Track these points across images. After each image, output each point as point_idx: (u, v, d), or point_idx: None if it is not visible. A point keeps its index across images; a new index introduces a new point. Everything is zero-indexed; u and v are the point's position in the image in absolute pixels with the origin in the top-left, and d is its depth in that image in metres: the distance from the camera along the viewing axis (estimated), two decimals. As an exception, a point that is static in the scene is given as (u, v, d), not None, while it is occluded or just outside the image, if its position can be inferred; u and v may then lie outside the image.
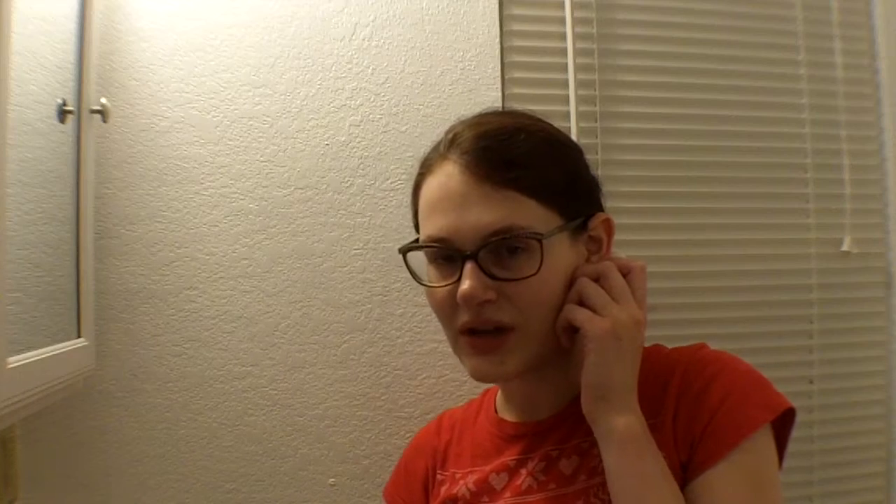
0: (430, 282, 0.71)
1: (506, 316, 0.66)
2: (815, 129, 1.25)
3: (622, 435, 0.62)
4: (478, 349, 0.67)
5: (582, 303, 0.66)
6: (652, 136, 1.19)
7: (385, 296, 1.07)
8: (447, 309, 0.68)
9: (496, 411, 0.80)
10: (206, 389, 1.02)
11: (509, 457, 0.74)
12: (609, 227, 0.72)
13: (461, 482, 0.77)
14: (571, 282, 0.68)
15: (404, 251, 0.73)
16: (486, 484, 0.74)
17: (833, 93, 1.26)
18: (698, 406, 0.65)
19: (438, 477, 0.81)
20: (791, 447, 1.18)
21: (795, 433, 1.19)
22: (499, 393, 0.82)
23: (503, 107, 1.08)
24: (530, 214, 0.65)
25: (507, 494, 0.72)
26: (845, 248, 1.25)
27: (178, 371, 1.01)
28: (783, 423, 0.69)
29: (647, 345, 0.76)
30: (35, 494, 0.95)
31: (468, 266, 0.64)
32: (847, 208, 1.26)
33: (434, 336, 1.07)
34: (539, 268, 0.64)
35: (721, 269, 1.21)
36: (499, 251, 0.65)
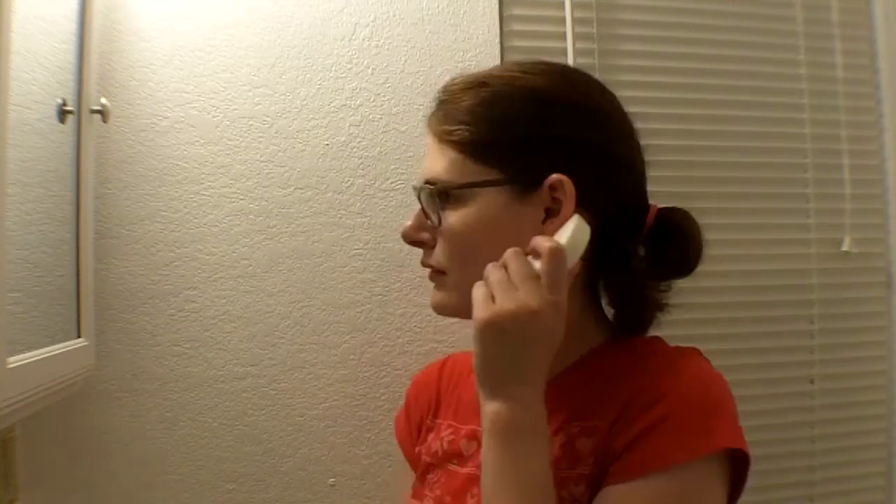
0: None
1: (432, 260, 0.70)
2: (815, 129, 1.25)
3: (490, 422, 0.60)
4: (430, 279, 0.73)
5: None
6: (651, 135, 1.17)
7: (385, 296, 1.07)
8: (406, 242, 0.74)
9: None
10: (206, 389, 1.02)
11: (479, 425, 0.72)
12: (564, 190, 0.64)
13: (441, 436, 0.78)
14: (519, 244, 0.63)
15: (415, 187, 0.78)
16: (458, 448, 0.75)
17: (833, 93, 1.26)
18: (635, 421, 0.61)
19: (428, 422, 0.82)
20: (791, 447, 1.21)
21: (796, 433, 1.21)
22: None
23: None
24: (455, 168, 0.66)
25: (470, 465, 0.72)
26: (845, 248, 1.25)
27: (178, 371, 1.01)
28: (739, 465, 0.64)
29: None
30: (35, 494, 0.95)
31: (416, 209, 0.71)
32: (847, 208, 1.26)
33: (434, 336, 1.07)
34: (440, 220, 0.67)
35: (721, 269, 1.21)
36: (432, 199, 0.68)
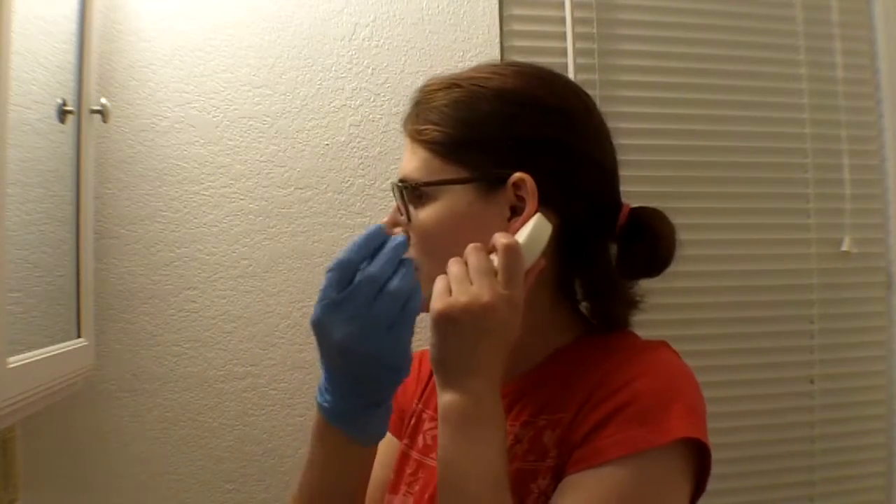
0: None
1: (408, 253, 0.70)
2: (815, 129, 1.25)
3: (442, 412, 0.61)
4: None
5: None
6: (652, 135, 1.19)
7: (385, 296, 1.07)
8: None
9: None
10: (206, 389, 1.02)
11: None
12: (526, 188, 0.65)
13: (424, 430, 0.78)
14: (485, 241, 0.64)
15: (392, 187, 0.78)
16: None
17: (833, 93, 1.26)
18: (597, 408, 0.62)
19: (414, 406, 0.82)
20: (791, 447, 1.22)
21: (796, 433, 1.22)
22: None
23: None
24: (424, 167, 0.68)
25: (434, 455, 0.72)
26: (845, 248, 1.25)
27: (178, 371, 1.01)
28: (700, 455, 0.63)
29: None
30: (35, 494, 0.95)
31: (393, 206, 0.72)
32: (847, 208, 1.26)
33: (434, 336, 1.07)
34: (409, 217, 0.69)
35: (721, 268, 1.21)
36: (403, 196, 0.69)
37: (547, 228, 0.65)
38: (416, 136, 0.70)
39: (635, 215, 0.73)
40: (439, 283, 0.62)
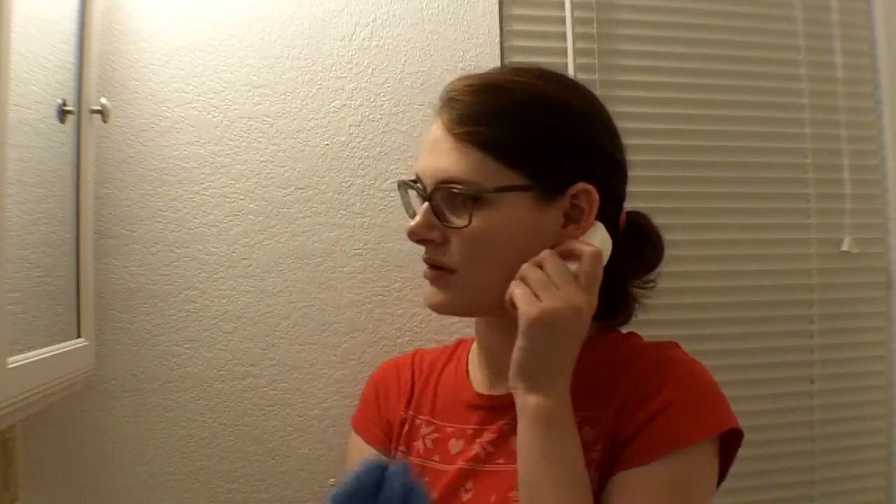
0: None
1: (445, 258, 0.71)
2: (815, 129, 1.25)
3: (532, 413, 0.63)
4: (429, 278, 0.73)
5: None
6: (652, 135, 1.19)
7: (385, 296, 1.07)
8: (411, 240, 0.74)
9: (467, 373, 0.82)
10: (206, 389, 1.02)
11: (469, 424, 0.76)
12: (590, 198, 0.68)
13: (422, 434, 0.79)
14: (536, 247, 0.67)
15: (399, 184, 0.78)
16: (445, 446, 0.77)
17: (833, 93, 1.26)
18: (641, 407, 0.66)
19: (402, 414, 0.83)
20: (791, 447, 1.22)
21: (796, 433, 1.21)
22: (473, 351, 0.84)
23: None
24: (481, 171, 0.67)
25: (460, 461, 0.74)
26: (845, 248, 1.25)
27: (178, 371, 1.01)
28: (729, 443, 0.69)
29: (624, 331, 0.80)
30: (35, 494, 0.95)
31: (424, 206, 0.71)
32: (847, 208, 1.26)
33: (434, 336, 1.07)
34: (469, 222, 0.67)
35: (721, 268, 1.21)
36: (453, 199, 0.68)
37: (609, 239, 0.70)
38: (466, 137, 0.68)
39: (632, 219, 0.78)
40: (519, 289, 0.64)
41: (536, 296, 0.63)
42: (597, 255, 0.65)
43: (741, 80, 1.23)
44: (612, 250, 0.72)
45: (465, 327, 1.06)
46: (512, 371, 0.65)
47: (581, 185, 0.68)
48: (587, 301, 0.64)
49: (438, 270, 0.72)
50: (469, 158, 0.67)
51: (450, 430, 0.77)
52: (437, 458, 0.76)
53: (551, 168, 0.68)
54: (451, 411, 0.79)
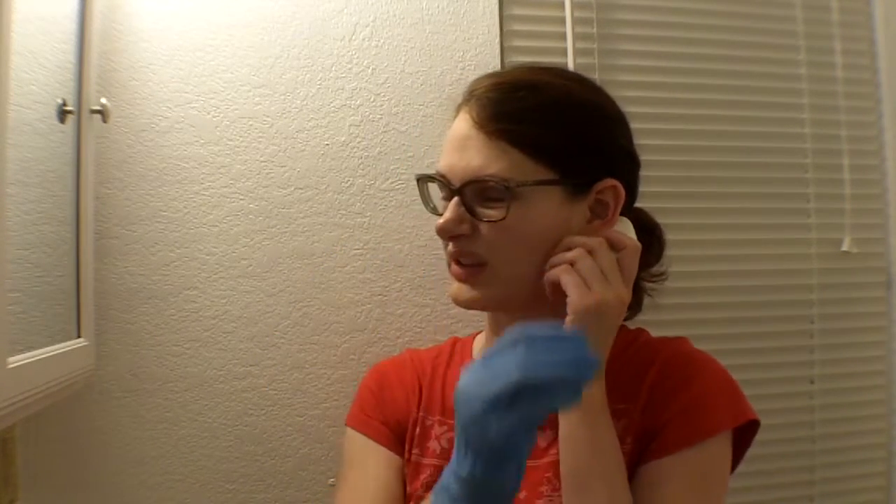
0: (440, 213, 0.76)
1: (479, 249, 0.71)
2: (815, 129, 1.25)
3: (581, 403, 0.63)
4: (458, 276, 0.74)
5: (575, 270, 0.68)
6: (651, 135, 1.19)
7: (385, 296, 1.07)
8: (443, 238, 0.74)
9: None
10: (206, 389, 1.02)
11: None
12: (616, 193, 0.72)
13: (437, 435, 0.79)
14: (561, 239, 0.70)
15: (418, 178, 0.79)
16: None
17: (833, 93, 1.26)
18: (669, 400, 0.70)
19: (415, 416, 0.82)
20: (791, 447, 1.22)
21: (796, 433, 1.21)
22: (480, 348, 0.85)
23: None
24: (515, 166, 0.69)
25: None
26: (845, 248, 1.25)
27: (178, 371, 1.01)
28: (745, 432, 0.73)
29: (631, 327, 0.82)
30: (35, 494, 0.95)
31: (453, 201, 0.71)
32: (847, 208, 1.26)
33: (434, 336, 1.07)
34: (506, 214, 0.68)
35: (721, 268, 1.21)
36: (485, 193, 0.70)
37: (634, 234, 0.73)
38: (499, 135, 0.69)
39: (637, 215, 0.80)
40: (570, 276, 0.66)
41: (587, 284, 0.65)
42: (637, 250, 0.69)
43: (741, 79, 1.23)
44: None
45: (464, 327, 1.06)
46: None
47: (608, 182, 0.71)
48: (628, 294, 0.68)
49: (469, 267, 0.73)
50: (504, 154, 0.69)
51: (451, 425, 0.77)
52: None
53: (581, 165, 0.71)
54: None
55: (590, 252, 0.67)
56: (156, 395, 1.00)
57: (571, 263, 0.67)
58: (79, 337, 0.86)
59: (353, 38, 1.08)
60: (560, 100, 0.72)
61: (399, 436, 0.83)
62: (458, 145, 0.72)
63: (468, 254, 0.72)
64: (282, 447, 1.03)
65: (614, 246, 0.69)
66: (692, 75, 1.21)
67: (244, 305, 1.03)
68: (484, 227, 0.70)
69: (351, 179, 1.07)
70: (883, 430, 1.26)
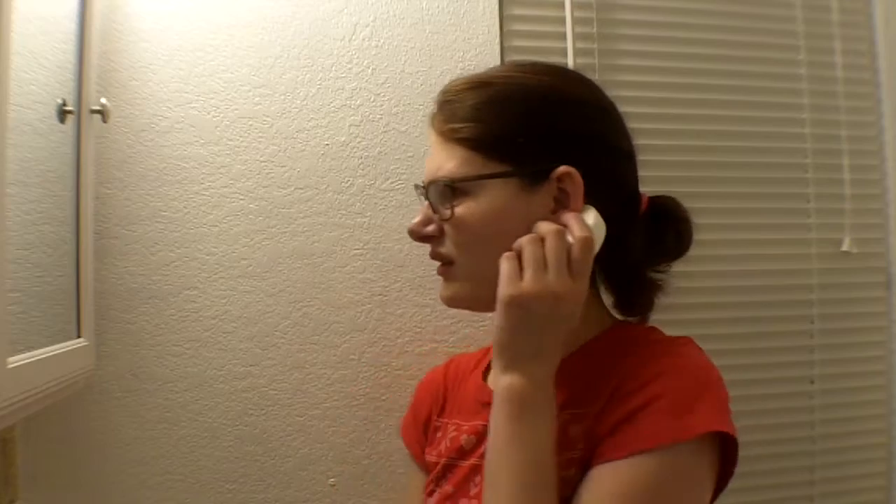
0: None
1: (444, 249, 0.72)
2: (815, 129, 1.25)
3: (503, 393, 0.63)
4: (438, 273, 0.75)
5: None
6: (652, 136, 1.19)
7: (385, 296, 1.07)
8: (413, 239, 0.76)
9: (487, 371, 0.82)
10: (206, 389, 1.02)
11: (480, 421, 0.75)
12: (573, 181, 0.67)
13: (448, 435, 0.80)
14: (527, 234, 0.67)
15: (414, 186, 0.81)
16: (459, 445, 0.77)
17: (833, 93, 1.26)
18: (624, 402, 0.63)
19: (435, 423, 0.84)
20: (791, 447, 1.22)
21: (796, 433, 1.21)
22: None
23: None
24: (466, 164, 0.69)
25: (472, 457, 0.75)
26: (845, 248, 1.25)
27: (178, 371, 1.01)
28: (728, 450, 0.65)
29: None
30: (35, 494, 0.95)
31: (423, 205, 0.74)
32: (847, 208, 1.26)
33: (434, 336, 1.07)
34: (451, 213, 0.69)
35: (721, 268, 1.21)
36: (443, 194, 0.70)
37: (603, 225, 0.68)
38: (452, 136, 0.70)
39: (655, 203, 0.77)
40: (507, 264, 0.63)
41: (522, 273, 0.62)
42: (588, 240, 0.64)
43: (741, 79, 1.23)
44: (628, 238, 0.72)
45: (465, 327, 1.06)
46: (493, 350, 0.65)
47: (562, 169, 0.67)
48: (573, 288, 0.63)
49: (443, 267, 0.73)
50: (454, 155, 0.69)
51: (465, 427, 0.78)
52: (454, 454, 0.77)
53: (531, 154, 0.68)
54: (470, 410, 0.79)
55: (542, 239, 0.64)
56: (156, 395, 1.00)
57: (518, 250, 0.64)
58: (79, 337, 0.86)
59: (353, 38, 1.08)
60: (510, 92, 0.70)
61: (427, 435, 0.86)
62: (429, 152, 0.74)
63: (436, 254, 0.73)
64: (282, 447, 1.03)
65: (565, 227, 0.65)
66: (692, 75, 1.21)
67: (244, 305, 1.03)
68: (446, 227, 0.71)
69: (351, 179, 1.07)
70: (883, 430, 1.26)
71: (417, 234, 0.74)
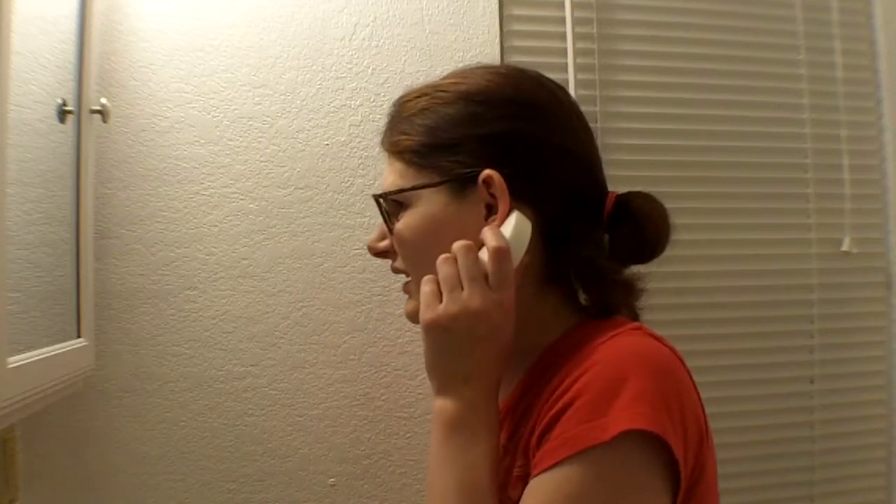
0: None
1: (398, 263, 0.72)
2: (815, 129, 1.25)
3: (435, 415, 0.62)
4: (402, 289, 0.74)
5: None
6: (652, 136, 1.19)
7: (385, 296, 1.07)
8: (371, 254, 0.76)
9: None
10: (206, 389, 1.02)
11: None
12: (494, 184, 0.64)
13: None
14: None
15: None
16: None
17: (833, 93, 1.26)
18: (552, 407, 0.58)
19: None
20: (791, 447, 1.22)
21: (796, 433, 1.22)
22: None
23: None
24: (401, 177, 0.69)
25: None
26: (845, 248, 1.25)
27: (178, 371, 1.01)
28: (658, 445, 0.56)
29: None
30: (35, 494, 0.95)
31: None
32: (847, 208, 1.26)
33: (434, 336, 1.07)
34: (391, 225, 0.69)
35: (721, 268, 1.21)
36: (389, 208, 0.70)
37: (527, 225, 0.64)
38: (392, 149, 0.71)
39: (622, 202, 0.71)
40: (427, 287, 0.62)
41: (441, 295, 0.61)
42: (500, 251, 0.61)
43: (741, 80, 1.23)
44: (584, 238, 0.67)
45: (465, 327, 1.06)
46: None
47: (485, 173, 0.64)
48: (494, 301, 0.60)
49: (405, 282, 0.73)
50: (393, 169, 0.70)
51: None
52: None
53: (458, 160, 0.66)
54: None
55: (454, 258, 0.62)
56: (156, 395, 1.00)
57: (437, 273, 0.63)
58: (79, 337, 0.86)
59: (353, 38, 1.08)
60: (438, 99, 0.68)
61: None
62: None
63: (394, 269, 0.73)
64: (282, 447, 1.03)
65: (481, 244, 0.63)
66: (692, 75, 1.21)
67: (244, 305, 1.03)
68: (394, 241, 0.71)
69: (351, 179, 1.07)
70: (883, 430, 1.26)
71: (374, 250, 0.74)
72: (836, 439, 1.23)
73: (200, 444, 1.01)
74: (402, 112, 0.71)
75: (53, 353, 0.74)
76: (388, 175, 0.71)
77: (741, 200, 1.22)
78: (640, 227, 0.70)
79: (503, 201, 0.64)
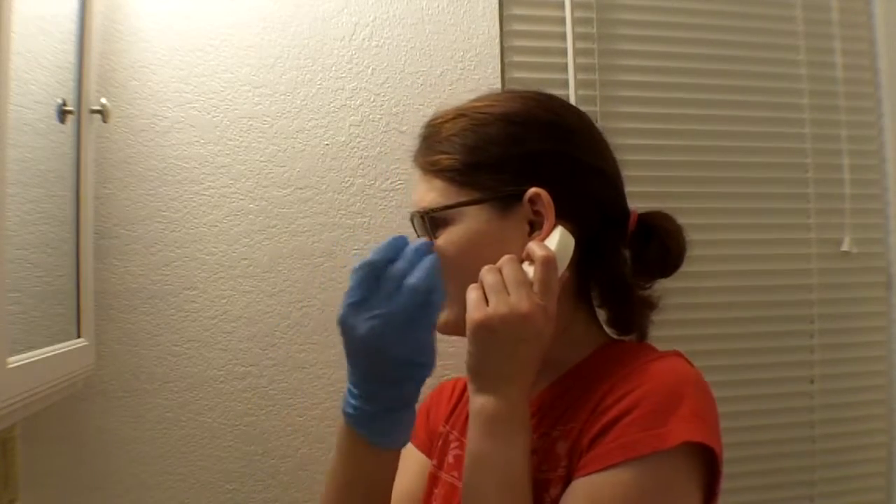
0: None
1: None
2: (815, 129, 1.25)
3: (475, 414, 0.64)
4: None
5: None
6: (652, 135, 1.19)
7: (385, 296, 1.07)
8: None
9: None
10: (206, 389, 1.02)
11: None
12: (544, 202, 0.68)
13: (450, 449, 0.80)
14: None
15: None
16: (461, 461, 0.75)
17: (833, 93, 1.26)
18: (602, 416, 0.63)
19: (441, 428, 0.84)
20: (791, 447, 1.22)
21: (796, 433, 1.22)
22: None
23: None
24: (442, 195, 0.71)
25: (456, 473, 0.76)
26: (845, 248, 1.25)
27: (178, 371, 1.01)
28: (713, 463, 0.63)
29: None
30: (35, 494, 0.95)
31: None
32: (847, 208, 1.26)
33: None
34: (433, 242, 0.71)
35: (721, 269, 1.21)
36: (428, 225, 0.72)
37: (571, 240, 0.68)
38: (430, 168, 0.72)
39: (644, 220, 0.76)
40: (473, 293, 0.64)
41: (486, 300, 0.63)
42: (548, 259, 0.64)
43: (741, 80, 1.23)
44: (614, 256, 0.72)
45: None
46: (467, 375, 0.66)
47: (532, 191, 0.68)
48: (539, 307, 0.63)
49: None
50: (433, 185, 0.71)
51: (463, 443, 0.78)
52: (455, 473, 0.77)
53: (503, 179, 0.69)
54: (464, 426, 0.79)
55: (499, 268, 0.65)
56: (156, 395, 1.00)
57: (480, 280, 0.65)
58: (79, 337, 0.86)
59: (353, 38, 1.08)
60: (479, 120, 0.71)
61: (432, 446, 0.84)
62: (415, 184, 0.76)
63: None
64: (282, 447, 1.03)
65: (527, 258, 0.66)
66: (692, 75, 1.21)
67: (244, 305, 1.03)
68: None
69: (351, 179, 1.07)
70: (883, 430, 1.26)
71: None
72: (836, 439, 1.23)
73: (200, 444, 1.01)
74: (440, 132, 0.73)
75: (53, 353, 0.74)
76: (427, 193, 0.72)
77: (741, 200, 1.22)
78: (665, 244, 0.75)
79: (549, 217, 0.68)
